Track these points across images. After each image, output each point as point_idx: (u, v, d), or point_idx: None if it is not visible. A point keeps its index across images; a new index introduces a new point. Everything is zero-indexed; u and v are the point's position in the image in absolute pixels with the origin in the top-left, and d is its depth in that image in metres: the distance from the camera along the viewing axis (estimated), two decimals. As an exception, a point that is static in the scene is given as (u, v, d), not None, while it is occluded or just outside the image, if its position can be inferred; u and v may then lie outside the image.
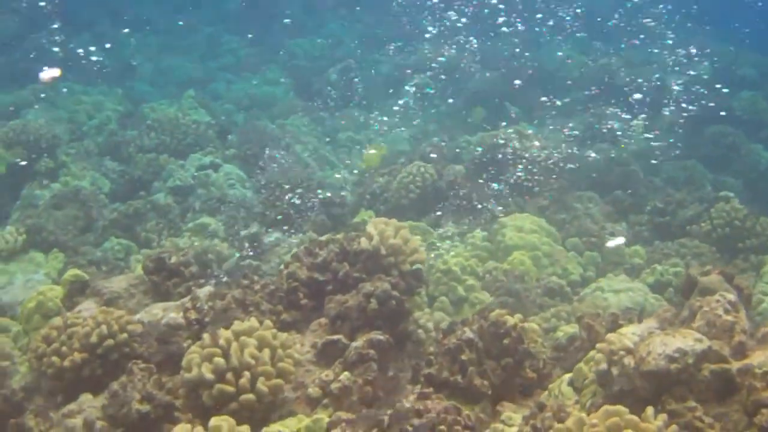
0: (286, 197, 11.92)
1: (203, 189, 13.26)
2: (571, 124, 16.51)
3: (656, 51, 20.13)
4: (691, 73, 18.49)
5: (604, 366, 4.88)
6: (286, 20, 25.15)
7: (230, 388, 5.17)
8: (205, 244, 10.93)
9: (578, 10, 21.31)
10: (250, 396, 5.16)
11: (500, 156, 12.57)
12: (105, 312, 5.93)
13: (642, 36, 20.93)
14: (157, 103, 18.99)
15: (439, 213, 11.79)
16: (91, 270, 10.07)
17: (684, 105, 17.12)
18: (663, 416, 4.10)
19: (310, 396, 5.56)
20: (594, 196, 12.82)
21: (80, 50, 21.48)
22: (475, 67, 20.27)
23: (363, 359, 5.64)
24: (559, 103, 17.66)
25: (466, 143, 15.15)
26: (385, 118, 19.17)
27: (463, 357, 5.57)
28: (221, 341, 5.33)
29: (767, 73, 22.01)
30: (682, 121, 16.73)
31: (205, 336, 5.43)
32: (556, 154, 13.69)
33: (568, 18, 21.48)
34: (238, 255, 10.60)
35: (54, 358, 5.60)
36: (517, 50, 20.68)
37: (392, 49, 21.50)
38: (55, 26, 20.09)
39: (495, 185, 12.27)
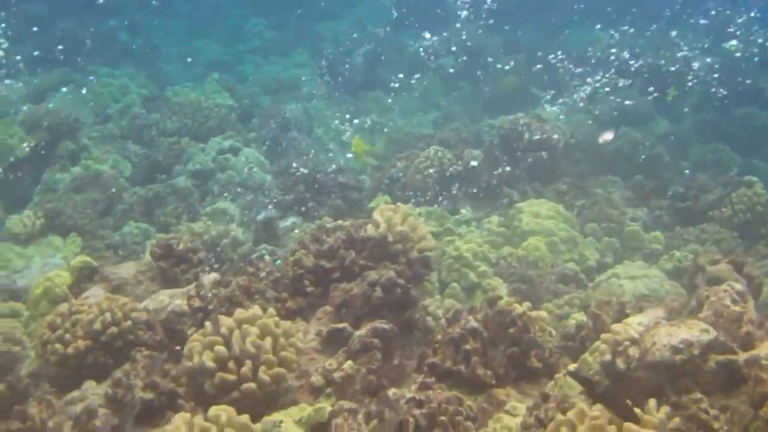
0: (303, 181, 11.87)
1: (222, 173, 13.26)
2: (598, 107, 16.28)
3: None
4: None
5: (608, 357, 4.81)
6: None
7: (231, 377, 5.14)
8: (221, 229, 10.94)
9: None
10: (252, 385, 5.13)
11: (520, 140, 12.36)
12: (110, 299, 5.94)
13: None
14: (181, 86, 19.09)
15: (456, 197, 11.69)
16: (108, 254, 10.18)
17: (712, 86, 16.81)
18: (666, 408, 4.03)
19: (313, 385, 5.52)
20: (617, 180, 12.56)
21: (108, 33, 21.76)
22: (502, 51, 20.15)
23: (366, 348, 5.59)
24: (584, 86, 17.39)
25: (489, 127, 14.97)
26: (409, 101, 19.09)
27: (467, 347, 5.51)
28: (223, 329, 5.31)
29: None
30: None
31: (207, 324, 5.42)
32: (579, 138, 13.49)
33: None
34: (253, 240, 10.59)
35: (57, 345, 5.62)
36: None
37: (420, 32, 21.32)
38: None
39: (513, 169, 12.10)
